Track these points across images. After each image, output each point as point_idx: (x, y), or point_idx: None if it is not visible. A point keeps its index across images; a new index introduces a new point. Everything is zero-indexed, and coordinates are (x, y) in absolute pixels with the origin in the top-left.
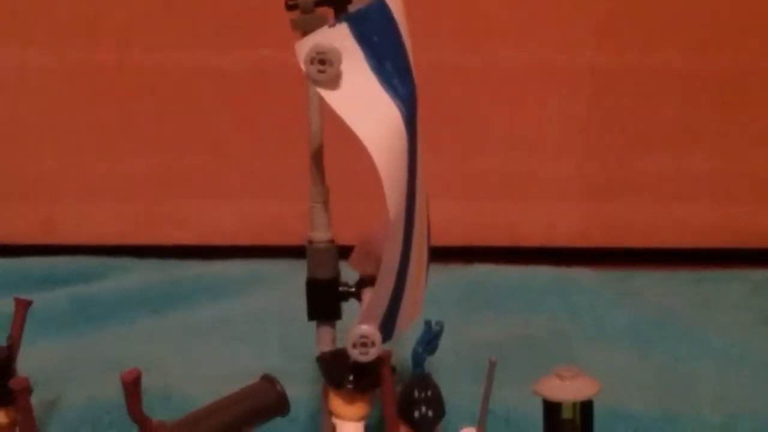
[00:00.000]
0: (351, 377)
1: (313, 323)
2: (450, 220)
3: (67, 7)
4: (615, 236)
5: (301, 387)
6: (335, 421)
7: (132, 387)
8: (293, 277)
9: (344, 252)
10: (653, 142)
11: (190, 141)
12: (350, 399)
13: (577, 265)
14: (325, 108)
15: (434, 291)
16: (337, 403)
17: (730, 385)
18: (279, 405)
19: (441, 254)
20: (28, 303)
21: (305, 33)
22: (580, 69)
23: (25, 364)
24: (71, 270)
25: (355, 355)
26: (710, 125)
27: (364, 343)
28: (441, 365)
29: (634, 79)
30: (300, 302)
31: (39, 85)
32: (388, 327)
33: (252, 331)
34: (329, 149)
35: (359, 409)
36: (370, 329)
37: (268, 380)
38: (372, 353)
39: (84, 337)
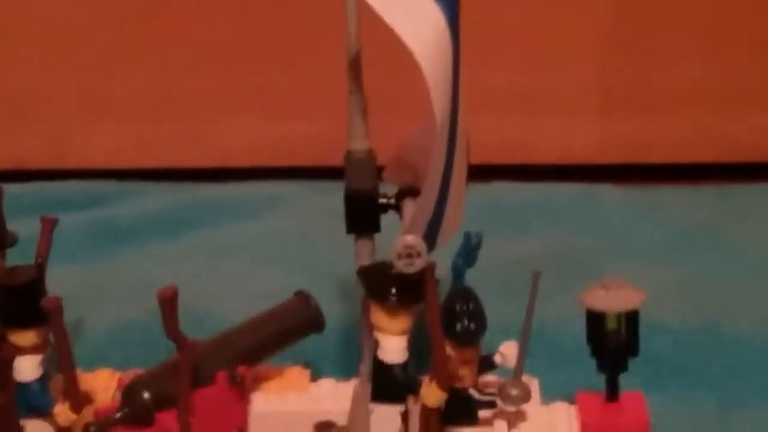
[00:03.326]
0: (394, 290)
1: (333, 242)
2: None
3: None
4: (635, 151)
5: (326, 305)
6: (378, 335)
7: (168, 304)
8: (311, 198)
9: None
10: (675, 52)
11: (204, 59)
12: (393, 313)
13: (596, 182)
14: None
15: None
16: (380, 317)
17: (765, 294)
18: (315, 321)
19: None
20: (55, 221)
21: None
22: None
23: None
24: (85, 194)
25: (401, 266)
26: (735, 34)
27: (409, 254)
28: (468, 281)
29: None
30: (317, 222)
31: (47, 6)
32: (431, 238)
33: (273, 252)
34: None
35: (403, 322)
36: (415, 239)
37: (303, 296)
38: (417, 264)
39: (103, 260)
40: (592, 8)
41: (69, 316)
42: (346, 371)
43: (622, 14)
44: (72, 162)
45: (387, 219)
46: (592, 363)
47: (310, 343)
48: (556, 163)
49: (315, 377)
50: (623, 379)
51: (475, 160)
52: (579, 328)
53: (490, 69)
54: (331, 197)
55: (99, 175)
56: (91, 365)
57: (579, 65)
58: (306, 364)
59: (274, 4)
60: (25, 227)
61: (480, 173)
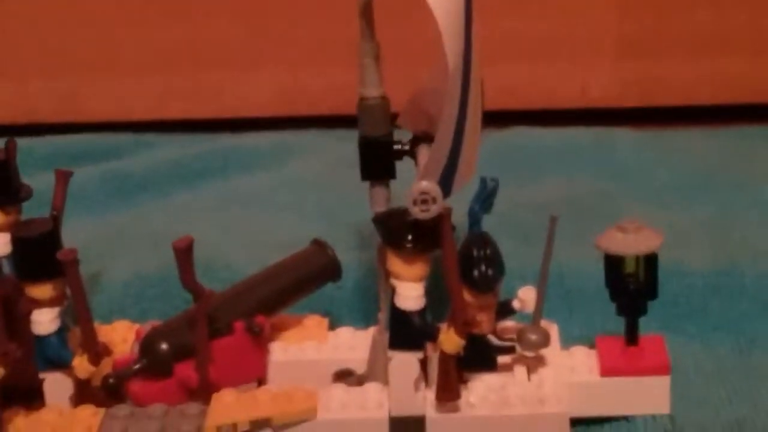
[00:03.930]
0: (410, 236)
1: (348, 190)
2: None
3: None
4: (652, 95)
5: (343, 253)
6: (394, 282)
7: (184, 255)
8: (322, 146)
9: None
10: None
11: (218, 9)
12: (410, 259)
13: (614, 125)
14: None
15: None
16: (396, 263)
17: None
18: (331, 270)
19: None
20: (69, 174)
21: None
22: None
23: (63, 240)
24: (99, 147)
25: (416, 212)
26: None
27: (425, 199)
28: (485, 227)
29: None
30: (332, 171)
31: None
32: (446, 184)
33: (289, 200)
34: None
35: (419, 269)
36: (431, 185)
37: (319, 245)
38: (433, 210)
39: (119, 213)
40: None
41: (86, 268)
42: (364, 319)
43: None
44: (86, 115)
45: (402, 165)
46: (611, 307)
47: (328, 291)
48: (574, 107)
49: (333, 326)
50: (643, 321)
51: (492, 105)
52: (597, 272)
53: (507, 15)
54: (348, 145)
55: (113, 127)
56: (109, 317)
57: (595, 9)
58: (324, 313)
59: None
60: (39, 181)
61: (497, 118)
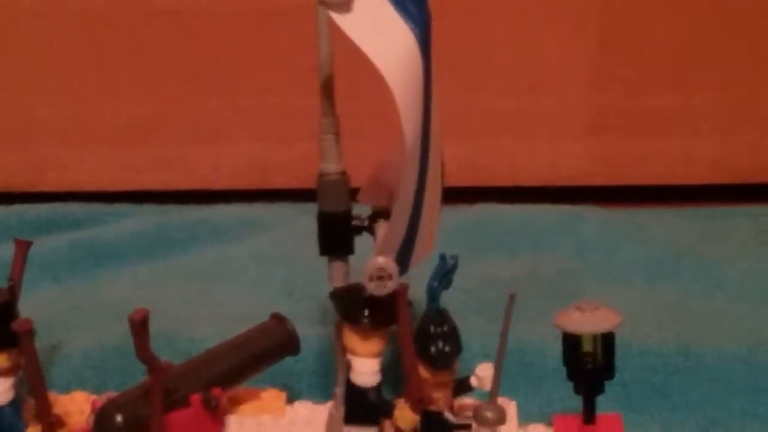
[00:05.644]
0: (366, 312)
1: (316, 264)
2: (449, 159)
3: None
4: (620, 174)
5: (307, 328)
6: (350, 358)
7: (140, 327)
8: (293, 220)
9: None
10: (659, 76)
11: (186, 83)
12: (366, 335)
13: (582, 203)
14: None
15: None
16: (352, 339)
17: (747, 318)
18: (290, 344)
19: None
20: (29, 244)
21: None
22: (585, 1)
23: (25, 311)
24: (67, 217)
25: (372, 288)
26: (719, 58)
27: (381, 276)
28: (449, 304)
29: (641, 11)
30: (301, 245)
31: (30, 28)
32: (403, 260)
33: (254, 274)
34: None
35: (375, 345)
36: (387, 261)
37: (278, 319)
38: (389, 286)
39: (83, 283)
40: (578, 33)
41: (47, 338)
42: (324, 394)
43: (608, 40)
44: (55, 185)
45: (363, 241)
46: (570, 385)
47: (288, 365)
48: (542, 184)
49: (292, 400)
50: (605, 401)
51: (461, 181)
52: (557, 350)
53: (477, 92)
54: (314, 219)
55: (82, 197)
56: (68, 388)
57: (565, 89)
58: (283, 387)
59: (255, 28)
60: (3, 250)
61: (465, 194)
